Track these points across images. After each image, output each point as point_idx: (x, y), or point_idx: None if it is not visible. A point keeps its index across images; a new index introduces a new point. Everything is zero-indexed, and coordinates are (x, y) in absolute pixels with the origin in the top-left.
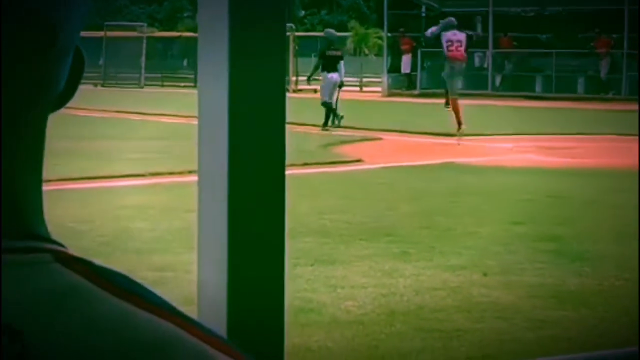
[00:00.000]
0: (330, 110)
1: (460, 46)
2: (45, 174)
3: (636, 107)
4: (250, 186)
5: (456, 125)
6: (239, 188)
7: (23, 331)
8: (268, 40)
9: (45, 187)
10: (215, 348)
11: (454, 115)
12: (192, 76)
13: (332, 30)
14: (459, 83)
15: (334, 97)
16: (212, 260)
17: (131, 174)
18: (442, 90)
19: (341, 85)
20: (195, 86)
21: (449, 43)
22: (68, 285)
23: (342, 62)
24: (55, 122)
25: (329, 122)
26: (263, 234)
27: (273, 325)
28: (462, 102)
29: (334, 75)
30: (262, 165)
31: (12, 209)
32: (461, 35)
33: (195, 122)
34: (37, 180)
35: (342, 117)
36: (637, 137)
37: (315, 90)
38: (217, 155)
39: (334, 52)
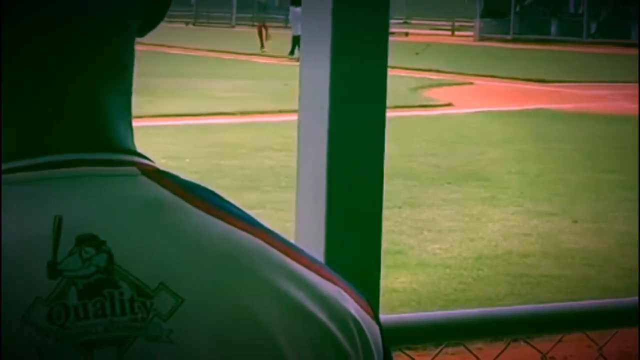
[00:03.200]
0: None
1: None
2: (139, 110)
3: None
4: (351, 128)
5: None
6: (339, 130)
7: (107, 241)
8: None
9: (138, 123)
10: (305, 265)
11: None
12: (283, 17)
13: None
14: None
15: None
16: (310, 199)
17: (223, 112)
18: (535, 36)
19: None
20: (286, 27)
21: None
22: (153, 197)
23: None
24: (148, 60)
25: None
26: (361, 174)
27: (369, 265)
28: (555, 48)
29: (298, 9)
30: (362, 108)
31: (98, 121)
32: None
33: (286, 62)
34: (124, 95)
35: None
36: None
37: (406, 34)
38: (318, 96)
39: None
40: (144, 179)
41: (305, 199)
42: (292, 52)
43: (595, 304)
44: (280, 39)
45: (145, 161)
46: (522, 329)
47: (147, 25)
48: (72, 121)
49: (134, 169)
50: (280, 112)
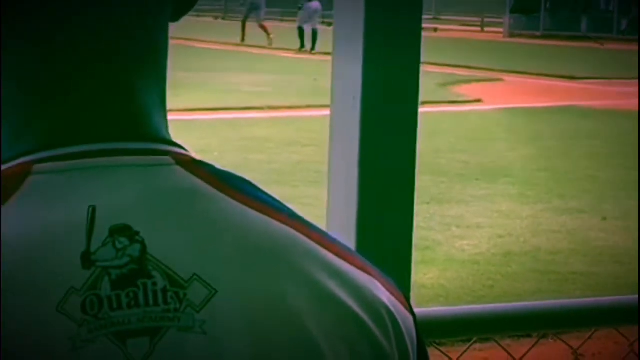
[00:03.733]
0: (301, 35)
1: None
2: (167, 104)
3: None
4: (383, 125)
5: None
6: (371, 126)
7: (140, 231)
8: None
9: None
10: (338, 255)
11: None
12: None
13: None
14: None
15: (313, 24)
16: (342, 194)
17: (250, 107)
18: (565, 33)
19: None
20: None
21: None
22: (187, 187)
23: None
24: (176, 54)
25: (313, 46)
26: (393, 171)
27: (400, 261)
28: (585, 45)
29: (313, 4)
30: (395, 105)
31: (132, 109)
32: None
33: (314, 57)
34: (159, 82)
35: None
36: None
37: (435, 29)
38: (350, 93)
39: None
40: (179, 168)
41: (337, 195)
42: (313, 44)
43: (596, 301)
44: (309, 34)
45: (180, 150)
46: (546, 324)
47: (181, 8)
48: (105, 110)
49: (168, 158)
50: (308, 107)
